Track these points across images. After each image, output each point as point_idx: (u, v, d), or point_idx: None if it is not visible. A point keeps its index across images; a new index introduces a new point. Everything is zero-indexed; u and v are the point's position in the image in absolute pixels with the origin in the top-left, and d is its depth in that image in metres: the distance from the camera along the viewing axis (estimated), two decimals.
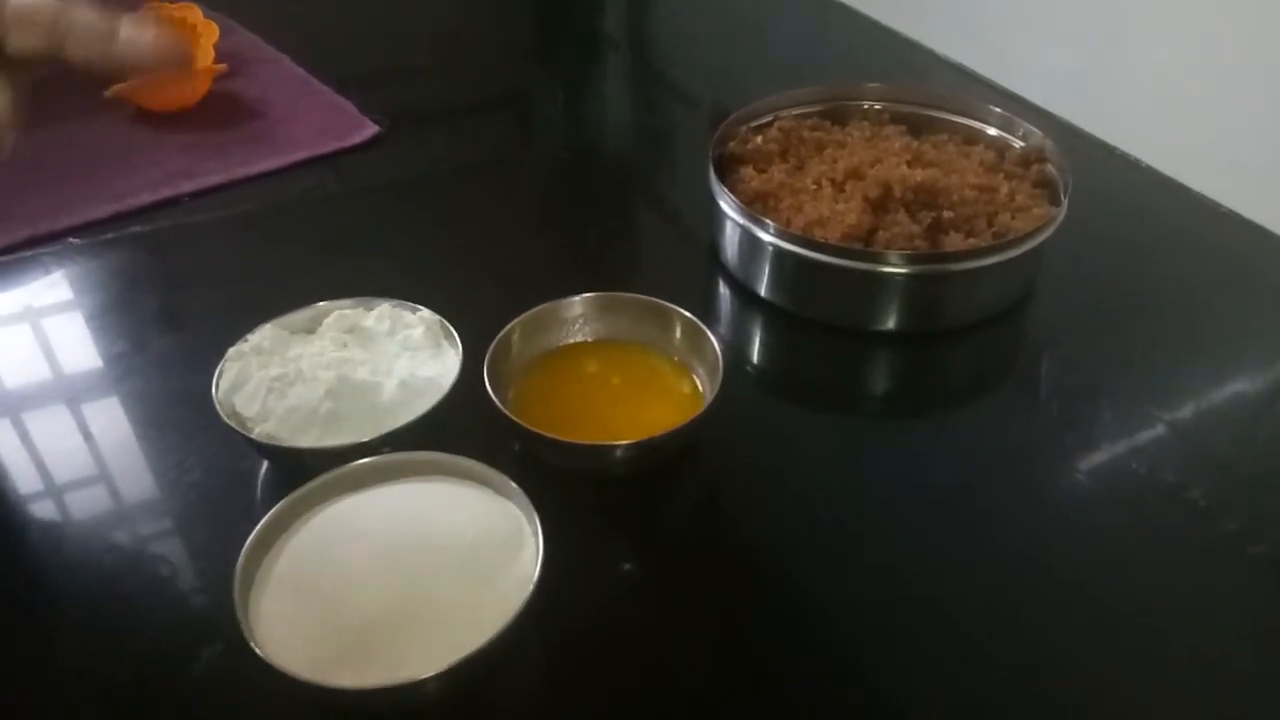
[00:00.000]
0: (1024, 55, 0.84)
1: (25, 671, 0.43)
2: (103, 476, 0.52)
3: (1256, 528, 0.48)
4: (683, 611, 0.45)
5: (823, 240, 0.58)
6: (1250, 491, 0.50)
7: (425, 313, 0.54)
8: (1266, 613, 0.45)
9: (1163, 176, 0.74)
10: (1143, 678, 0.42)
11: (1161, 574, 0.46)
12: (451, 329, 0.53)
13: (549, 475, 0.48)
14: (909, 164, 0.64)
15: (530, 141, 0.86)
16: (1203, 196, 0.71)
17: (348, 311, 0.54)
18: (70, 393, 0.57)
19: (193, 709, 0.41)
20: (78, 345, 0.61)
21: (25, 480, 0.52)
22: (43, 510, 0.51)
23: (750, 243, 0.61)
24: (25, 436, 0.54)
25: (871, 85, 0.73)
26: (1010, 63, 0.86)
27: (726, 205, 0.62)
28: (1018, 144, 0.68)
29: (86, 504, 0.51)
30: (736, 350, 0.61)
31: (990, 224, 0.61)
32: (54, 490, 0.51)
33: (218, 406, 0.48)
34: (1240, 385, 0.57)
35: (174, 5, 0.87)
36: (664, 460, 0.50)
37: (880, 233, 0.59)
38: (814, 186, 0.64)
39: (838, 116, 0.72)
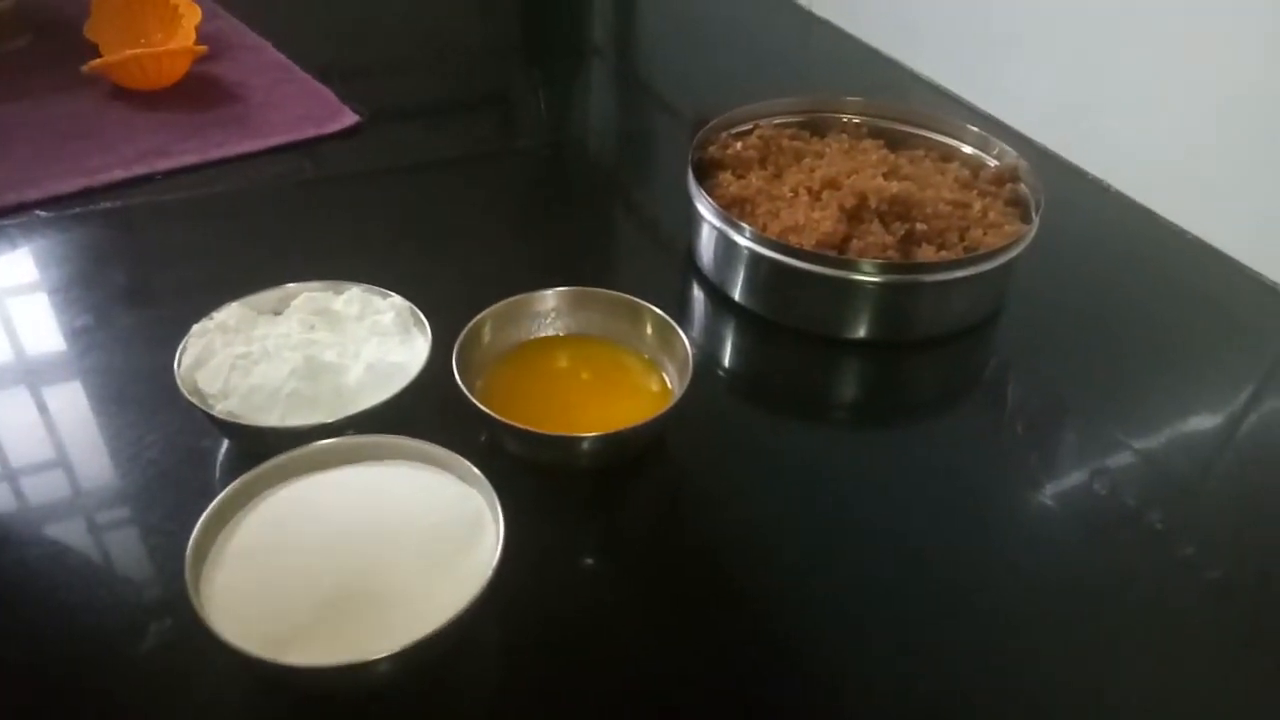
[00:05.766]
0: (1002, 80, 0.85)
1: None
2: (60, 451, 0.51)
3: (1212, 553, 0.48)
4: (641, 602, 0.45)
5: (797, 246, 0.58)
6: (1207, 517, 0.51)
7: (396, 299, 0.53)
8: (1218, 636, 0.45)
9: (1132, 202, 0.75)
10: (1095, 696, 0.42)
11: (1117, 595, 0.46)
12: (422, 316, 0.52)
13: (514, 465, 0.48)
14: (885, 176, 0.64)
15: (511, 139, 0.86)
16: (1170, 222, 0.73)
17: (317, 294, 0.53)
18: (31, 365, 0.56)
19: (142, 684, 0.40)
20: (41, 319, 0.59)
21: None
22: None
23: (726, 246, 0.61)
24: None
25: (851, 99, 0.73)
26: (988, 87, 0.87)
27: (704, 208, 0.62)
28: (992, 163, 0.69)
29: (42, 479, 0.50)
30: (708, 352, 0.61)
31: (962, 238, 0.61)
32: (8, 465, 0.50)
33: (179, 382, 0.47)
34: (1201, 411, 0.57)
35: None
36: (630, 455, 0.50)
37: (854, 241, 0.60)
38: (791, 194, 0.64)
39: (817, 127, 0.73)
